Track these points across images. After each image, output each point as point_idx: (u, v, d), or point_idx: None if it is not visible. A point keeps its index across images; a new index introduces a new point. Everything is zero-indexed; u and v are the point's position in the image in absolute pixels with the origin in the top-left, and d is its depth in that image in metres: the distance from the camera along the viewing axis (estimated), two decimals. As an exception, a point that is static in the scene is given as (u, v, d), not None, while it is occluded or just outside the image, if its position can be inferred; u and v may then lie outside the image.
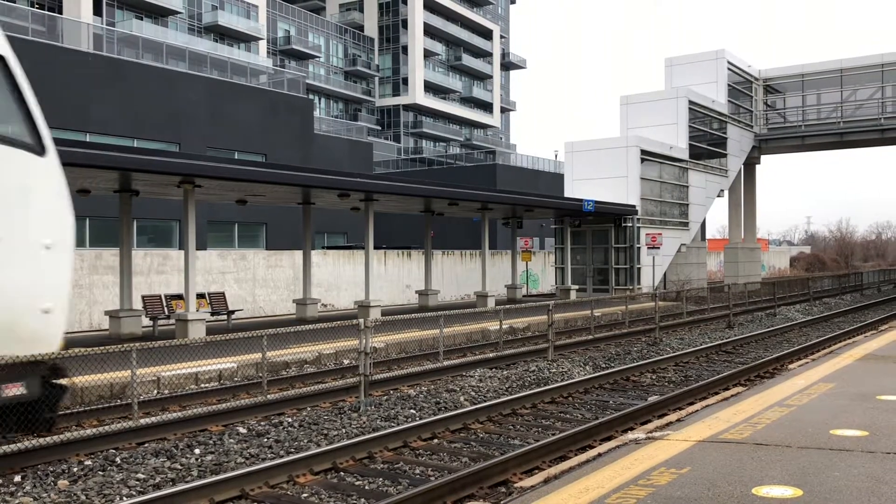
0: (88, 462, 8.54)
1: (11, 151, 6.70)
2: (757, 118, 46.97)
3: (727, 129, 43.55)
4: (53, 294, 7.02)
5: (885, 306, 33.87)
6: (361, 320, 11.73)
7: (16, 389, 6.79)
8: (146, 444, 9.39)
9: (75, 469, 8.28)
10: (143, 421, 9.75)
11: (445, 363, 13.93)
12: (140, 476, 8.05)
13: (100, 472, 8.18)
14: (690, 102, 39.74)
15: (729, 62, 43.43)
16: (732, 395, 10.01)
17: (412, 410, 11.50)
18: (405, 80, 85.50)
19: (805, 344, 19.25)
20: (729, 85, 43.48)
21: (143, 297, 20.65)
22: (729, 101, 43.29)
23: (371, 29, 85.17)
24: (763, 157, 48.88)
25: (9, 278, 6.56)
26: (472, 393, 12.90)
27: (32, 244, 6.80)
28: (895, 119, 43.22)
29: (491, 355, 16.39)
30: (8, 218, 6.56)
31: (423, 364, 15.97)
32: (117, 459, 8.64)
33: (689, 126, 39.88)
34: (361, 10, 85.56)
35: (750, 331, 22.93)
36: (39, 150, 6.97)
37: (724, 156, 43.79)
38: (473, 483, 7.59)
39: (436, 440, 9.83)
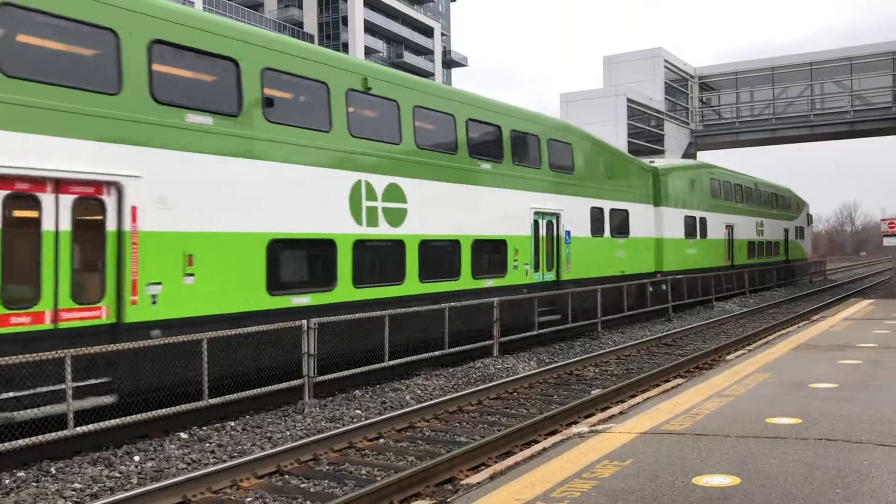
0: (21, 473, 8.24)
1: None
2: (693, 115, 48.06)
3: (664, 125, 44.46)
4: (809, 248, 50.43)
5: (816, 297, 35.02)
6: (304, 321, 11.54)
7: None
8: (83, 453, 9.11)
9: (7, 481, 7.98)
10: (79, 429, 9.45)
11: (391, 362, 13.87)
12: (76, 486, 7.81)
13: (34, 484, 7.91)
14: (629, 100, 40.47)
15: (666, 60, 44.37)
16: (673, 387, 10.23)
17: (358, 410, 11.43)
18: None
19: (742, 335, 19.78)
20: (666, 82, 44.42)
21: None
22: (666, 98, 44.22)
23: (311, 26, 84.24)
24: (699, 154, 50.08)
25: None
26: (418, 391, 12.89)
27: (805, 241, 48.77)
28: (824, 115, 44.72)
29: (437, 353, 16.39)
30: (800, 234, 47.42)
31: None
32: (52, 469, 8.36)
33: (628, 123, 40.60)
34: (300, 7, 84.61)
35: (689, 323, 23.45)
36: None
37: (662, 152, 44.67)
38: (420, 482, 7.59)
39: (382, 440, 9.79)
